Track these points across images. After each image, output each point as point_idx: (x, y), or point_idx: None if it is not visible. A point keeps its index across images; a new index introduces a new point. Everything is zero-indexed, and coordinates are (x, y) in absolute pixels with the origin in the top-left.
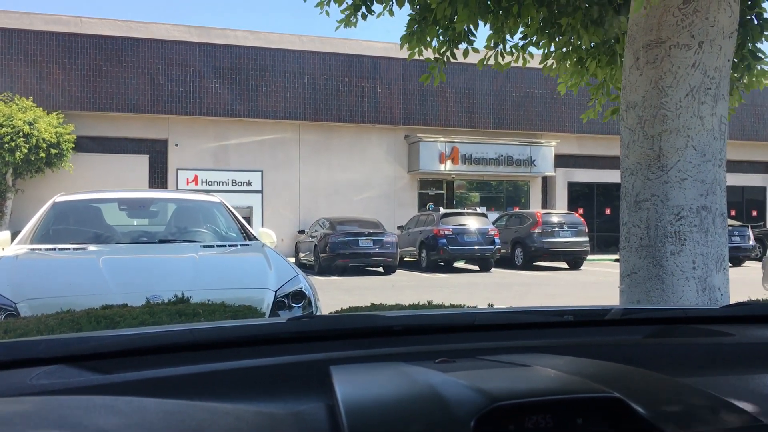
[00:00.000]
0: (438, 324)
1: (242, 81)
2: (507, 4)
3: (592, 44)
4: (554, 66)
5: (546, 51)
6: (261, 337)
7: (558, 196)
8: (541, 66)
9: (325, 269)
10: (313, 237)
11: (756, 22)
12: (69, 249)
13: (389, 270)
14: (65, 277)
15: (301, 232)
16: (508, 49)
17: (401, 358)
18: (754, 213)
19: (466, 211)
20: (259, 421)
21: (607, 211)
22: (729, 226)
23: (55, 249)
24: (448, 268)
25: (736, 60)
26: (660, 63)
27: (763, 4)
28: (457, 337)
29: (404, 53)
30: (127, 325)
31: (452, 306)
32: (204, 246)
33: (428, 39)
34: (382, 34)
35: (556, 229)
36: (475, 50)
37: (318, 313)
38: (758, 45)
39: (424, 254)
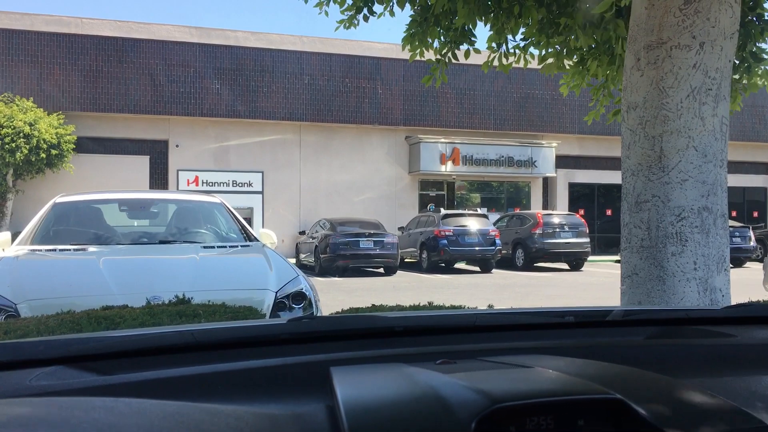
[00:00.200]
0: (439, 325)
1: (243, 82)
2: (508, 5)
3: (592, 45)
4: (551, 64)
5: (545, 52)
6: (261, 338)
7: (559, 197)
8: (540, 66)
9: (325, 270)
10: (313, 238)
11: (757, 22)
12: (69, 250)
13: (390, 271)
14: (66, 277)
15: (302, 233)
16: (507, 51)
17: (402, 359)
18: (755, 214)
19: (466, 212)
20: (260, 422)
21: (608, 212)
22: (730, 227)
23: (55, 250)
24: (449, 269)
25: (736, 62)
26: (661, 64)
27: (765, 5)
28: (458, 338)
29: (405, 54)
30: (127, 326)
31: (453, 307)
32: (204, 247)
33: (429, 40)
34: (383, 35)
35: (557, 230)
36: (477, 51)
37: (318, 314)
38: (760, 46)
39: (424, 255)
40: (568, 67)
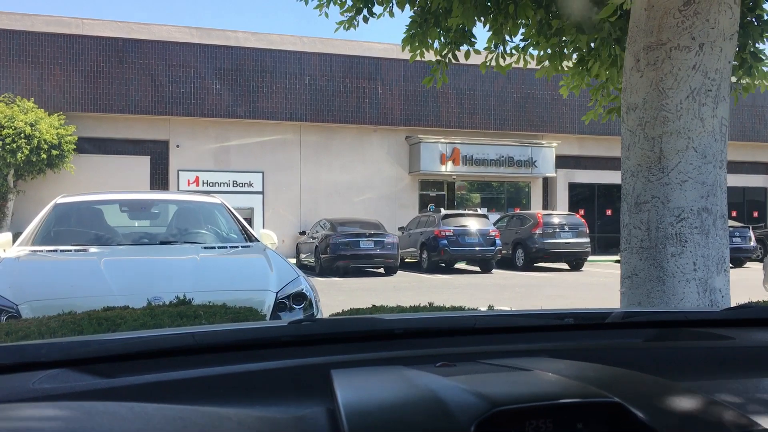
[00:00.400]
0: (439, 327)
1: (243, 82)
2: (504, 5)
3: (592, 45)
4: (548, 68)
5: (543, 53)
6: (262, 341)
7: (559, 197)
8: (539, 67)
9: (326, 270)
10: (314, 238)
11: (756, 23)
12: (70, 250)
13: (390, 271)
14: (66, 278)
15: (302, 233)
16: (508, 51)
17: (402, 361)
18: (755, 214)
19: (467, 212)
20: (260, 425)
21: (608, 213)
22: (730, 227)
23: (56, 250)
24: (449, 269)
25: (736, 62)
26: (660, 65)
27: (764, 6)
28: (458, 341)
29: (405, 54)
30: (128, 327)
31: (453, 308)
32: (205, 247)
33: (429, 41)
34: (383, 35)
35: (557, 230)
36: (477, 52)
37: (319, 315)
38: (758, 47)
39: (425, 255)
40: (567, 68)
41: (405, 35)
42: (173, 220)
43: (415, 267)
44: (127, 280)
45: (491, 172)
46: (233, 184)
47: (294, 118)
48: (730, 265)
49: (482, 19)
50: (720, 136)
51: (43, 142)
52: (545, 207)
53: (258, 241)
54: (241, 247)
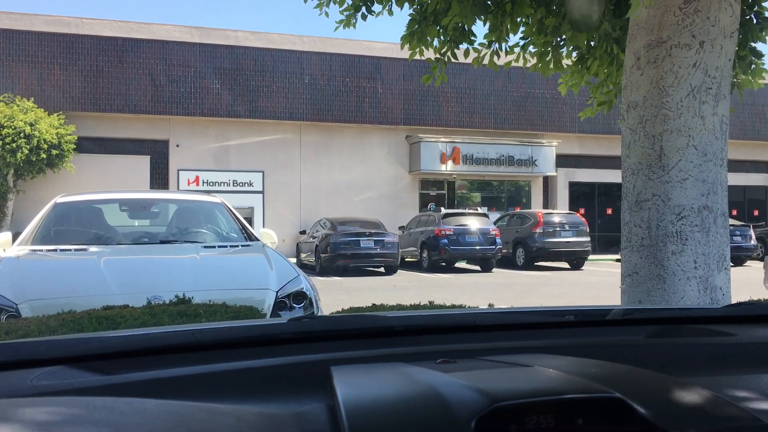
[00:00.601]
0: (439, 324)
1: (243, 82)
2: (502, 2)
3: (592, 43)
4: (546, 65)
5: (542, 50)
6: (262, 338)
7: (559, 196)
8: (539, 65)
9: (326, 270)
10: (314, 237)
11: (755, 21)
12: (70, 250)
13: (390, 270)
14: (66, 278)
15: (303, 232)
16: (507, 49)
17: (402, 358)
18: (756, 212)
19: (467, 211)
20: (260, 421)
21: (609, 211)
22: (730, 225)
23: (56, 250)
24: (450, 269)
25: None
26: (661, 63)
27: (764, 3)
28: (458, 338)
29: (405, 53)
30: (128, 325)
31: (453, 306)
32: (205, 247)
33: (429, 39)
34: (383, 35)
35: (558, 229)
36: (476, 50)
37: (319, 314)
38: (754, 45)
39: (425, 254)
40: (566, 66)
41: (404, 33)
42: (173, 219)
43: (415, 266)
44: (127, 279)
45: (491, 171)
46: (233, 183)
47: (294, 117)
48: (731, 264)
49: (482, 17)
50: (720, 134)
51: (42, 142)
52: (545, 206)
53: (258, 240)
54: (241, 246)
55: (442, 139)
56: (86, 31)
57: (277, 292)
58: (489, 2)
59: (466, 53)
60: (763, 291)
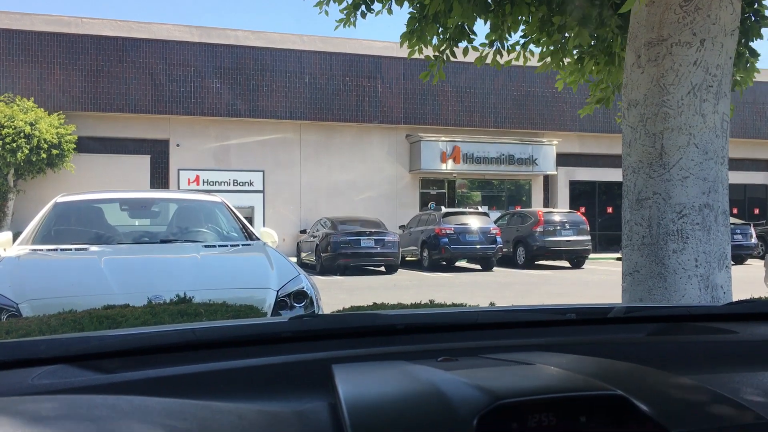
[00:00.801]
0: (440, 323)
1: (243, 81)
2: (503, 2)
3: (592, 42)
4: (550, 63)
5: (544, 49)
6: (263, 337)
7: (560, 194)
8: (539, 64)
9: (326, 269)
10: (314, 237)
11: (754, 18)
12: (71, 249)
13: (391, 269)
14: (67, 277)
15: (303, 231)
16: (508, 47)
17: (403, 356)
18: (756, 211)
19: (467, 210)
20: (262, 420)
21: (609, 210)
22: (731, 224)
23: (56, 249)
24: (450, 268)
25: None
26: (662, 61)
27: (764, 2)
28: (460, 336)
29: (405, 52)
30: (129, 325)
31: (454, 305)
32: (205, 246)
33: (428, 37)
34: (383, 34)
35: (558, 227)
36: (475, 49)
37: (320, 313)
38: (750, 45)
39: (425, 253)
40: (566, 63)
41: (404, 31)
42: (173, 218)
43: (416, 265)
44: (127, 278)
45: (492, 170)
46: (233, 183)
47: (294, 116)
48: (732, 262)
49: (483, 16)
50: (721, 132)
51: (43, 142)
52: (546, 205)
53: (258, 239)
54: (242, 245)
55: (443, 138)
56: (86, 30)
57: (277, 291)
58: (489, 1)
59: (465, 51)
60: (763, 289)
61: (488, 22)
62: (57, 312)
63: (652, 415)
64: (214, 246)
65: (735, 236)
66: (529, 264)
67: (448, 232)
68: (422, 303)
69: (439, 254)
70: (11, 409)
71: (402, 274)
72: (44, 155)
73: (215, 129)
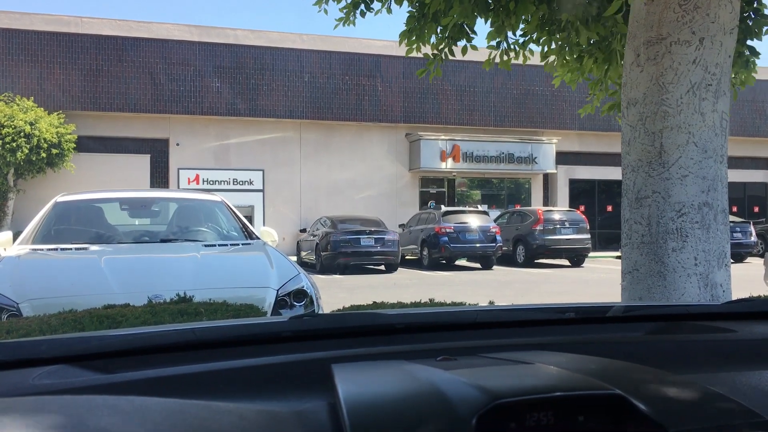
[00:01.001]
0: (440, 322)
1: (243, 80)
2: (505, 2)
3: (591, 41)
4: (555, 62)
5: (547, 48)
6: (263, 336)
7: (559, 193)
8: (542, 63)
9: (326, 268)
10: (314, 236)
11: (754, 16)
12: (71, 249)
13: (391, 268)
14: (67, 277)
15: (303, 230)
16: (516, 49)
17: (403, 356)
18: (756, 209)
19: (467, 208)
20: (261, 419)
21: (609, 208)
22: (731, 222)
23: (57, 249)
24: (450, 266)
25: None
26: (661, 59)
27: (764, 0)
28: (459, 335)
29: (404, 50)
30: (129, 324)
31: (454, 304)
32: (206, 245)
33: (427, 36)
34: (383, 33)
35: (558, 226)
36: (474, 48)
37: (320, 312)
38: (749, 44)
39: (425, 252)
40: (566, 61)
41: (403, 30)
42: (173, 218)
43: (415, 264)
44: (127, 278)
45: (491, 169)
46: (233, 182)
47: (294, 115)
48: (731, 261)
49: (483, 15)
50: (720, 131)
51: (42, 141)
52: (546, 203)
53: (258, 238)
54: (242, 244)
55: (442, 137)
56: (86, 30)
57: (277, 290)
58: (490, 0)
59: (464, 50)
60: (763, 287)
61: (488, 23)
62: (57, 312)
63: (650, 414)
64: (214, 245)
65: (734, 234)
66: (529, 262)
67: (447, 230)
68: (422, 302)
69: (438, 253)
70: (12, 410)
71: (402, 272)
72: (44, 155)
73: (215, 128)
